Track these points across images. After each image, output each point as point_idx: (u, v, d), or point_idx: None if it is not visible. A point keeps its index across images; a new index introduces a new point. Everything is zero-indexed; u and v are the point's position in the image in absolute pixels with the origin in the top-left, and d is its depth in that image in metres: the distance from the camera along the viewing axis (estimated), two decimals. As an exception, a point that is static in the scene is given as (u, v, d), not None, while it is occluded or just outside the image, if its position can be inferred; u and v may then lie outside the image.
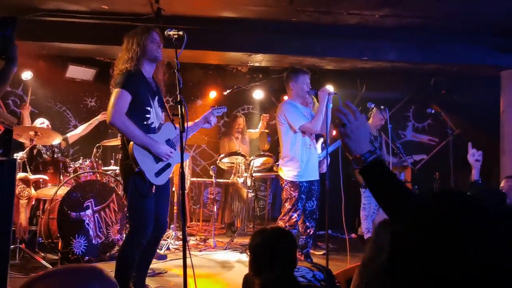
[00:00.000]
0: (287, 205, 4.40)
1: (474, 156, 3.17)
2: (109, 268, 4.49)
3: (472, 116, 7.28)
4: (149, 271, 3.70)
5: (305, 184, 4.40)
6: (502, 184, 3.98)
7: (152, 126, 3.20)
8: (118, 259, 3.21)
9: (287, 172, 4.45)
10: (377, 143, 5.77)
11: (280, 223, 4.39)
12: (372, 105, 5.18)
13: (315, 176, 4.53)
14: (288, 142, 4.45)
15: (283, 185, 4.51)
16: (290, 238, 2.13)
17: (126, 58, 3.19)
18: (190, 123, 3.46)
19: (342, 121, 1.46)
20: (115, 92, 3.06)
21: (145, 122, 3.15)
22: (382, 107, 5.34)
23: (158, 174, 3.18)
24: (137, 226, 3.13)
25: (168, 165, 3.27)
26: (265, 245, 2.01)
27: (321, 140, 5.23)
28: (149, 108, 3.15)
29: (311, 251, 4.95)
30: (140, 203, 3.11)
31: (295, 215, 4.37)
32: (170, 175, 3.38)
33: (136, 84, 3.09)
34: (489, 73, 6.55)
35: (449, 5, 5.04)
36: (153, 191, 3.16)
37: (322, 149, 5.24)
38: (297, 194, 4.37)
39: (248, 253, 2.08)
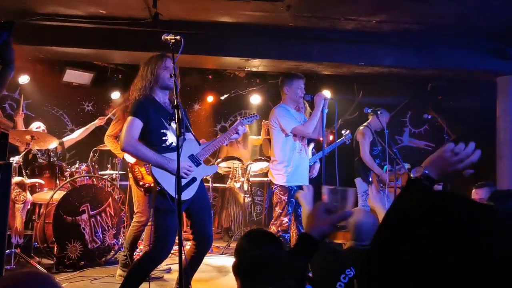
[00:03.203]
0: (278, 209, 4.38)
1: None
2: (105, 273, 4.49)
3: (469, 122, 7.29)
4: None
5: (295, 188, 4.38)
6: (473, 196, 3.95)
7: (171, 146, 3.29)
8: (131, 270, 3.25)
9: (277, 176, 4.43)
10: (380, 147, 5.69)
11: (273, 228, 4.37)
12: (369, 110, 5.18)
13: (305, 182, 4.50)
14: (279, 145, 4.44)
15: (273, 188, 4.50)
16: (276, 243, 2.01)
17: (139, 86, 3.35)
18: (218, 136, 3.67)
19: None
20: (127, 120, 3.22)
21: (163, 145, 3.26)
22: (379, 112, 5.37)
23: (182, 189, 3.21)
24: (160, 244, 3.20)
25: (193, 179, 3.35)
26: (248, 249, 1.94)
27: (312, 145, 5.22)
28: (164, 131, 3.27)
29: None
30: (163, 220, 3.19)
31: (286, 219, 4.34)
32: None
33: (147, 111, 3.23)
34: (485, 79, 6.58)
35: (446, 10, 5.07)
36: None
37: (312, 154, 5.24)
38: (286, 198, 4.34)
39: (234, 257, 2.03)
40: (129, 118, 3.20)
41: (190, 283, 3.26)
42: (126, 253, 4.31)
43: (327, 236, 1.50)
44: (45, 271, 4.36)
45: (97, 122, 6.08)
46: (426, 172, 1.44)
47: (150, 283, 3.51)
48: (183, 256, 2.56)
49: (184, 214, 3.70)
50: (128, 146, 3.15)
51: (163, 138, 3.27)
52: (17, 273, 1.03)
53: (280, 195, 4.37)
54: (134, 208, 4.38)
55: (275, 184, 4.43)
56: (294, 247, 1.54)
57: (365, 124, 5.84)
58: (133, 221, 4.39)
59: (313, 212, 1.50)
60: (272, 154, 4.57)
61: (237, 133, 3.64)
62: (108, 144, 4.57)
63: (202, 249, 3.40)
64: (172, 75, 2.87)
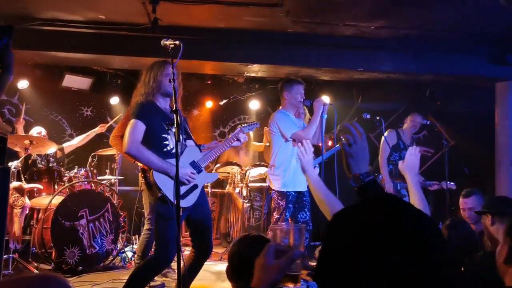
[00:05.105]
0: (275, 215, 4.38)
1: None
2: (104, 278, 4.47)
3: (467, 128, 7.29)
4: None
5: (293, 194, 4.37)
6: None
7: (173, 151, 3.24)
8: (132, 276, 3.22)
9: (275, 181, 4.42)
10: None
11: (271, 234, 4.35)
12: (368, 116, 5.18)
13: (304, 187, 4.48)
14: (278, 151, 4.44)
15: (271, 194, 4.49)
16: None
17: (142, 91, 3.35)
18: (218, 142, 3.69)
19: (349, 141, 1.57)
20: (130, 123, 3.21)
21: (164, 149, 3.25)
22: (377, 117, 5.37)
23: (183, 196, 3.22)
24: (161, 250, 3.19)
25: (195, 186, 3.34)
26: (241, 254, 1.94)
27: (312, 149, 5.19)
28: (165, 135, 3.26)
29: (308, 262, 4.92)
30: (165, 227, 3.17)
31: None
32: None
33: (150, 114, 3.23)
34: (484, 85, 6.59)
35: (444, 16, 5.09)
36: (180, 214, 3.19)
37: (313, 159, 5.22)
38: (284, 203, 4.33)
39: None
40: (132, 120, 3.19)
41: None
42: (138, 260, 4.20)
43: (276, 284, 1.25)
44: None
45: (98, 129, 6.08)
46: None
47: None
48: (182, 263, 2.55)
49: (183, 222, 3.68)
50: (131, 149, 3.13)
51: (164, 142, 3.26)
52: (31, 276, 1.01)
53: (278, 201, 4.36)
54: (145, 214, 4.28)
55: (273, 190, 4.42)
56: None
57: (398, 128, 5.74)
58: (144, 228, 4.23)
59: (262, 259, 1.23)
60: (270, 160, 4.56)
61: (238, 140, 3.63)
62: (116, 145, 4.36)
63: (201, 257, 3.39)
64: (171, 80, 2.87)
